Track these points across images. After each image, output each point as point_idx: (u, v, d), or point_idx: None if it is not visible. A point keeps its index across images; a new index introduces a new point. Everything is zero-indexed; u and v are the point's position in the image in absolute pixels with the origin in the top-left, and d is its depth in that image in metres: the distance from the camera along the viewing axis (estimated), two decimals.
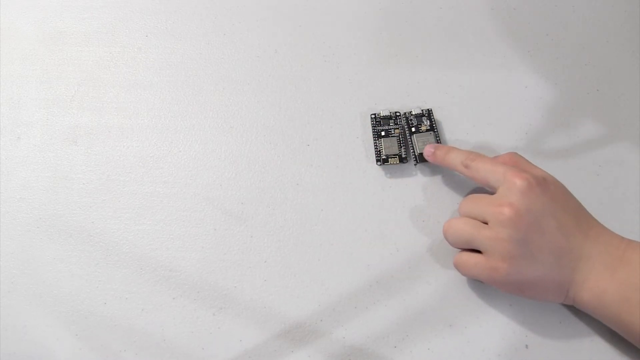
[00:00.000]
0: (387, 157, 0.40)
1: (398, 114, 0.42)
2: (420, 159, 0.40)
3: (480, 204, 0.34)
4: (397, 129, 0.41)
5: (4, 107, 0.45)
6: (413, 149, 0.41)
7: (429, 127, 0.41)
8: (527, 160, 0.37)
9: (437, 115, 0.42)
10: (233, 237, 0.39)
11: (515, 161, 0.37)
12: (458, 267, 0.36)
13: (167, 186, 0.41)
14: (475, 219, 0.34)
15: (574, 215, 0.34)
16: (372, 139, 0.42)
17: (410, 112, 0.42)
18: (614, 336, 0.34)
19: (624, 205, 0.39)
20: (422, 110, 0.42)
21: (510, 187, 0.33)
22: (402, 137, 0.41)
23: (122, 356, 0.36)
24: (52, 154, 0.43)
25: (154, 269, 0.39)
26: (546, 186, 0.34)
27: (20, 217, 0.41)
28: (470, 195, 0.36)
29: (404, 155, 0.40)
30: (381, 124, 0.42)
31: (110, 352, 0.36)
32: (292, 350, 0.36)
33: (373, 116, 0.42)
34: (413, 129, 0.41)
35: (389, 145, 0.41)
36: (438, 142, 0.41)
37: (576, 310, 0.35)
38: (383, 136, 0.41)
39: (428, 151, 0.39)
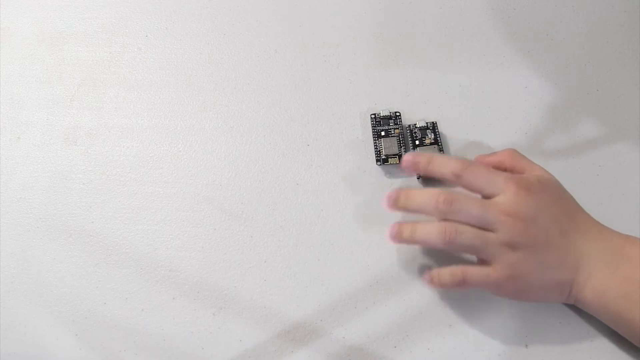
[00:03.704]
0: (387, 157, 0.40)
1: (398, 114, 0.42)
2: None
3: (484, 211, 0.33)
4: (397, 128, 0.41)
5: (4, 107, 0.45)
6: None
7: (433, 141, 0.41)
8: (525, 157, 0.37)
9: (437, 119, 0.42)
10: (233, 237, 0.39)
11: (513, 158, 0.37)
12: (467, 284, 0.33)
13: (167, 186, 0.41)
14: (473, 224, 0.33)
15: (573, 215, 0.34)
16: (372, 139, 0.42)
17: (415, 124, 0.41)
18: (614, 336, 0.34)
19: (624, 205, 0.39)
20: (427, 123, 0.41)
21: (511, 197, 0.33)
22: (402, 137, 0.41)
23: (122, 356, 0.36)
24: (52, 154, 0.43)
25: (154, 269, 0.39)
26: (544, 190, 0.34)
27: (20, 217, 0.41)
28: (464, 197, 0.34)
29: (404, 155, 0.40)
30: (381, 124, 0.42)
31: (110, 352, 0.36)
32: (292, 350, 0.36)
33: (373, 116, 0.42)
34: (417, 142, 0.41)
35: (389, 145, 0.41)
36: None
37: (576, 310, 0.35)
38: (383, 136, 0.41)
39: (407, 161, 0.36)
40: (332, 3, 0.48)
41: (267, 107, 0.44)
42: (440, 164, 0.35)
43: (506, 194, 0.33)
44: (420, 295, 0.37)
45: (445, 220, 0.34)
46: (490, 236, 0.33)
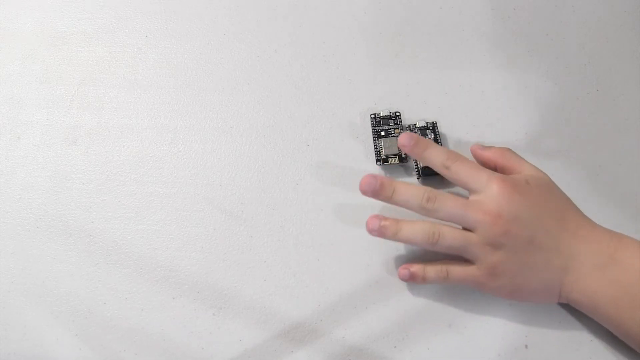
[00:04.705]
0: (387, 157, 0.40)
1: (398, 114, 0.42)
2: (424, 172, 0.39)
3: (466, 210, 0.33)
4: (397, 128, 0.41)
5: (4, 107, 0.45)
6: (416, 162, 0.40)
7: (432, 140, 0.40)
8: (518, 157, 0.37)
9: (437, 119, 0.42)
10: (233, 237, 0.39)
11: (504, 158, 0.37)
12: (450, 281, 0.35)
13: (167, 186, 0.41)
14: (455, 222, 0.34)
15: (561, 215, 0.34)
16: (372, 139, 0.42)
17: (415, 124, 0.41)
18: (613, 336, 0.34)
19: (624, 205, 0.39)
20: (427, 123, 0.41)
21: (493, 195, 0.33)
22: None
23: (122, 356, 0.36)
24: (52, 154, 0.43)
25: (154, 269, 0.39)
26: (529, 191, 0.33)
27: (20, 217, 0.41)
28: (447, 196, 0.34)
29: (403, 155, 0.40)
30: (381, 124, 0.42)
31: (110, 352, 0.36)
32: (292, 350, 0.36)
33: (373, 116, 0.42)
34: None
35: (389, 145, 0.41)
36: None
37: (576, 311, 0.35)
38: (383, 136, 0.41)
39: (404, 141, 0.35)
40: (332, 3, 0.48)
41: (267, 107, 0.44)
42: (433, 154, 0.35)
43: (487, 192, 0.33)
44: (420, 295, 0.37)
45: (428, 218, 0.34)
46: (471, 237, 0.33)
